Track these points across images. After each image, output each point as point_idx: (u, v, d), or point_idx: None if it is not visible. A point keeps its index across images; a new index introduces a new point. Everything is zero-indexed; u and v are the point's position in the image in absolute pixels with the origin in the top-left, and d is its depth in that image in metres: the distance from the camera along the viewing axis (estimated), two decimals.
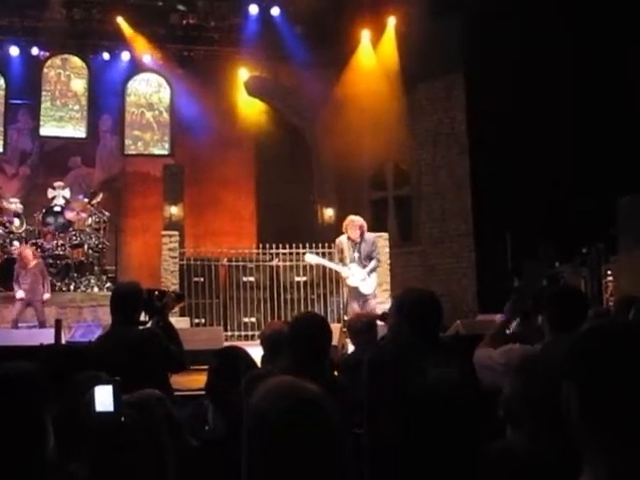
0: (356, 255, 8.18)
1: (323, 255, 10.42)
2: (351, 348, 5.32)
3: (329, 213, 15.79)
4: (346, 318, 7.92)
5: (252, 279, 12.41)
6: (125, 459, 2.34)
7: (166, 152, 16.10)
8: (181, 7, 14.26)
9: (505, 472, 2.07)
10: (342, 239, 8.29)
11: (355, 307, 8.09)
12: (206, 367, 3.65)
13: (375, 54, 14.26)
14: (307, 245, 11.65)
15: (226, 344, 6.85)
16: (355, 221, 8.25)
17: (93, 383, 2.32)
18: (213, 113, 14.62)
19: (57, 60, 15.47)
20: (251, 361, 3.68)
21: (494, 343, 3.58)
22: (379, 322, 5.20)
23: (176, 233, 12.41)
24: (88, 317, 11.07)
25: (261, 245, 12.62)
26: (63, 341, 7.28)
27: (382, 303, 10.13)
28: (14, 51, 14.27)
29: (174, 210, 14.65)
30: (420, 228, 14.05)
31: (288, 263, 12.35)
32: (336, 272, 8.76)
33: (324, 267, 10.40)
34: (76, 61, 15.49)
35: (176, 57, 14.93)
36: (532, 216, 11.05)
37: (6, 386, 1.95)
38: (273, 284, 12.34)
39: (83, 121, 15.55)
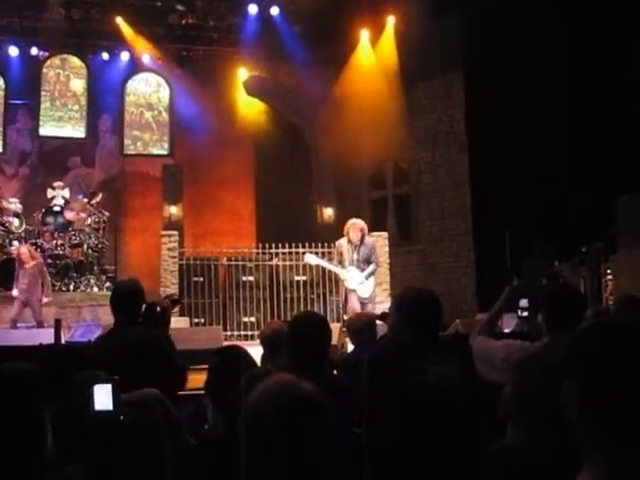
0: (355, 258, 8.24)
1: (322, 255, 10.43)
2: (351, 347, 5.32)
3: (328, 212, 15.79)
4: (345, 318, 7.93)
5: (251, 279, 12.40)
6: (124, 457, 2.34)
7: (165, 152, 16.10)
8: (180, 7, 14.25)
9: (505, 471, 2.07)
10: (342, 242, 8.38)
11: (355, 306, 8.11)
12: (205, 367, 3.65)
13: (374, 53, 14.26)
14: (307, 244, 11.65)
15: (225, 344, 6.85)
16: (357, 224, 8.36)
17: (92, 382, 2.32)
18: (212, 113, 14.61)
19: (56, 60, 15.46)
20: (251, 360, 3.68)
21: (490, 329, 3.58)
22: (378, 322, 5.21)
23: (175, 233, 12.40)
24: (87, 317, 11.07)
25: (260, 244, 12.61)
26: (63, 341, 7.28)
27: (382, 302, 10.13)
28: (13, 51, 14.26)
29: (173, 210, 14.64)
30: (419, 227, 14.04)
31: (287, 262, 12.35)
32: (335, 272, 8.81)
33: (323, 267, 10.45)
34: (75, 61, 15.48)
35: (175, 57, 14.92)
36: (531, 215, 11.04)
37: (4, 386, 1.95)
38: (273, 284, 12.34)
39: (82, 121, 15.54)
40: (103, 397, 2.27)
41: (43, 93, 15.34)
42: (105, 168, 15.44)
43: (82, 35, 14.26)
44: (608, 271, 9.82)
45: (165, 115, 16.13)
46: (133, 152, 15.90)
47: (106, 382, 2.30)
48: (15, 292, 10.06)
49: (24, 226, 12.36)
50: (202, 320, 11.95)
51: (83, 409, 2.28)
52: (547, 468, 1.97)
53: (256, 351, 4.18)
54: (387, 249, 12.09)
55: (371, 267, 8.34)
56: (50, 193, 12.99)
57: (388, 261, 12.05)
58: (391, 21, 13.93)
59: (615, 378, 1.17)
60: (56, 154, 15.08)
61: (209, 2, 14.30)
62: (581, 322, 3.12)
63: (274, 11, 14.07)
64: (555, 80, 11.22)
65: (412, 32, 12.77)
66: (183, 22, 14.44)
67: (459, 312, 10.74)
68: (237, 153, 15.66)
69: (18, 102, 15.03)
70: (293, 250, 12.16)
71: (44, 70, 15.32)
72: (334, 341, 6.04)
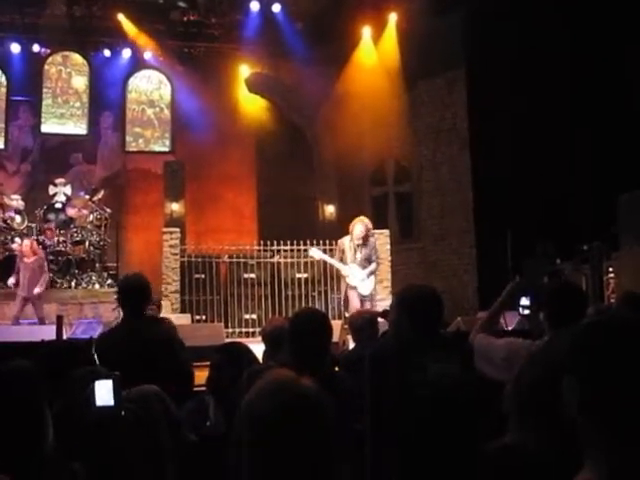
0: (357, 256, 8.29)
1: (324, 252, 10.43)
2: (352, 345, 5.32)
3: (330, 209, 15.79)
4: (347, 315, 7.96)
5: (253, 276, 12.41)
6: (124, 454, 2.35)
7: (167, 149, 16.12)
8: (182, 4, 14.24)
9: (505, 469, 2.07)
10: (344, 240, 8.44)
11: (355, 303, 8.15)
12: (207, 363, 3.65)
13: (376, 51, 14.25)
14: (308, 242, 11.65)
15: (227, 340, 6.86)
16: (364, 221, 8.40)
17: (93, 378, 2.32)
18: (214, 110, 14.61)
19: (58, 57, 15.48)
20: (253, 357, 3.69)
21: (490, 326, 3.58)
22: (380, 319, 5.21)
23: (177, 230, 12.40)
24: (89, 314, 11.09)
25: (262, 242, 12.62)
26: (64, 337, 7.28)
27: (383, 300, 10.14)
28: (15, 48, 14.26)
29: (175, 207, 14.64)
30: (421, 224, 14.04)
31: (289, 260, 12.36)
32: (337, 269, 8.85)
33: (325, 264, 10.51)
34: (77, 58, 15.50)
35: (177, 54, 14.92)
36: (533, 213, 11.04)
37: (3, 384, 1.95)
38: (274, 281, 12.35)
39: (84, 118, 15.56)
40: (104, 393, 2.28)
41: (45, 90, 15.36)
42: (107, 165, 15.45)
43: (84, 32, 14.26)
44: (610, 269, 9.80)
45: (167, 112, 16.14)
46: (135, 149, 15.92)
47: (107, 378, 2.31)
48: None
49: (26, 223, 12.38)
50: (204, 317, 11.96)
51: (84, 405, 2.29)
52: (547, 466, 1.97)
53: (258, 348, 4.19)
54: (388, 247, 12.10)
55: (372, 266, 8.43)
56: (52, 190, 13.01)
57: (389, 259, 12.05)
58: (393, 18, 13.93)
59: (616, 374, 1.17)
60: (58, 151, 15.09)
61: None
62: (582, 320, 3.12)
63: (276, 8, 14.05)
64: (556, 78, 11.22)
65: (414, 30, 12.77)
66: (185, 19, 14.43)
67: (460, 310, 10.75)
68: (239, 150, 15.66)
69: (20, 99, 15.04)
70: (295, 247, 12.17)
71: (46, 67, 15.35)
72: (335, 338, 6.05)
